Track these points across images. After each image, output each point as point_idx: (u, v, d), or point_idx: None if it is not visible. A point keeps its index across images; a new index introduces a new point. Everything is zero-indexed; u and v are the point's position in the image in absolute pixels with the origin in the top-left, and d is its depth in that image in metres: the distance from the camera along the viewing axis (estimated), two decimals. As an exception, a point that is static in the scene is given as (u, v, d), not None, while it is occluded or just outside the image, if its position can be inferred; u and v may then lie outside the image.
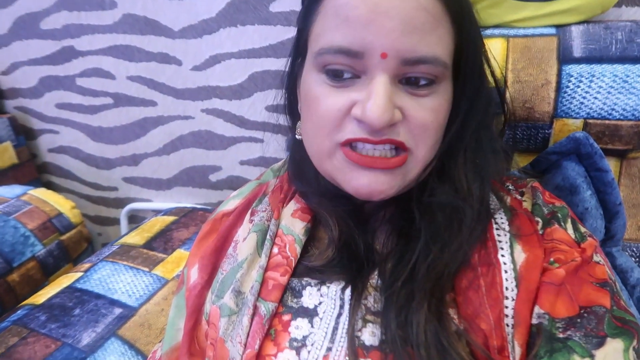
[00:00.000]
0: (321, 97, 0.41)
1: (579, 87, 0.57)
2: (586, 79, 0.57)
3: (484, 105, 0.45)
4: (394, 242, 0.45)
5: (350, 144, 0.40)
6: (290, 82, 0.51)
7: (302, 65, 0.45)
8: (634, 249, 0.60)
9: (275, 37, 0.95)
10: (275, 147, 1.03)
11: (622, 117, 0.57)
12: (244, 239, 0.49)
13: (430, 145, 0.41)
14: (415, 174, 0.42)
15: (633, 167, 0.62)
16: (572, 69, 0.58)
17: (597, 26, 0.59)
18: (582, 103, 0.58)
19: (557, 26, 0.61)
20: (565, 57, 0.58)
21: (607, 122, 0.57)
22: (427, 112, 0.40)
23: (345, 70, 0.39)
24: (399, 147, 0.40)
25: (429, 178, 0.44)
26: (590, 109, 0.58)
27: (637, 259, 0.60)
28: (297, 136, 0.50)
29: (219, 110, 1.08)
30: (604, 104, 0.57)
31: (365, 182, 0.40)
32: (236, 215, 0.53)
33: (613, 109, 0.57)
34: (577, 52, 0.58)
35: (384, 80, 0.37)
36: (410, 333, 0.37)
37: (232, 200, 0.56)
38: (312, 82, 0.42)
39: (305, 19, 0.43)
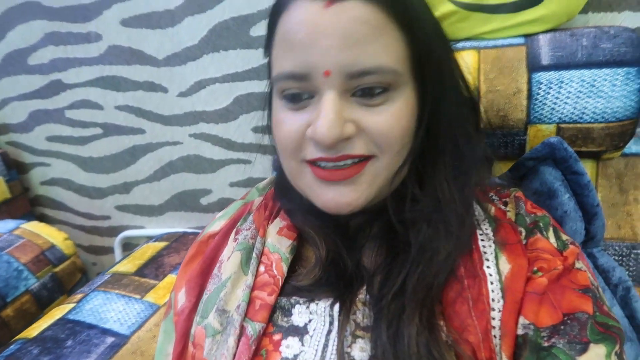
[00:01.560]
0: (283, 122, 0.42)
1: (549, 93, 0.59)
2: (555, 85, 0.59)
3: (452, 107, 0.44)
4: (382, 257, 0.45)
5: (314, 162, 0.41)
6: (270, 103, 0.52)
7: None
8: (616, 248, 0.61)
9: (257, 60, 0.97)
10: (264, 167, 1.05)
11: (592, 120, 0.58)
12: (228, 258, 0.50)
13: (395, 151, 0.41)
14: (383, 180, 0.42)
15: (609, 168, 0.63)
16: (542, 76, 0.59)
17: (564, 33, 0.61)
18: (553, 109, 0.59)
19: (526, 35, 0.63)
20: (534, 65, 0.60)
21: (578, 125, 0.59)
22: (385, 119, 0.40)
23: (301, 92, 0.40)
24: (361, 158, 0.41)
25: (408, 187, 0.44)
26: (562, 113, 0.59)
27: (618, 258, 0.61)
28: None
29: (207, 134, 1.10)
30: (575, 108, 0.58)
31: (331, 197, 0.41)
32: (222, 236, 0.54)
33: (583, 113, 0.58)
34: (545, 60, 0.60)
35: (331, 97, 0.38)
36: (401, 345, 0.37)
37: (218, 222, 0.57)
38: (276, 108, 0.43)
39: (267, 48, 0.45)
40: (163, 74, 1.07)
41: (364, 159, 0.41)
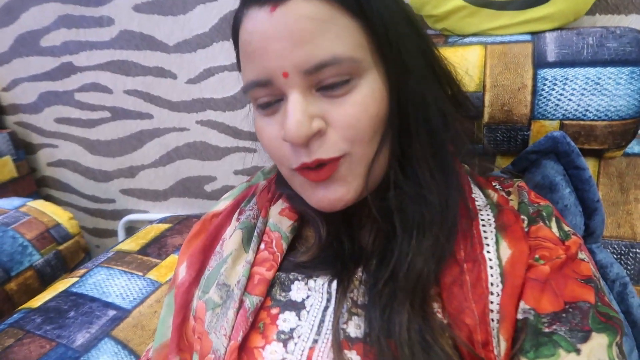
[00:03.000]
0: (262, 130, 0.43)
1: (553, 89, 0.60)
2: (560, 82, 0.59)
3: (420, 87, 0.43)
4: (380, 239, 0.46)
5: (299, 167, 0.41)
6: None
7: None
8: (615, 246, 0.62)
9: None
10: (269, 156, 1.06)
11: (596, 118, 0.59)
12: (230, 236, 0.51)
13: (367, 139, 0.41)
14: (364, 170, 0.42)
15: (610, 167, 0.64)
16: (547, 72, 0.60)
17: (570, 32, 0.61)
18: (557, 105, 0.60)
19: (532, 33, 0.64)
20: (539, 62, 0.61)
21: (582, 122, 0.60)
22: (352, 109, 0.39)
23: (270, 98, 0.41)
24: (332, 159, 0.41)
25: (390, 174, 0.44)
26: (566, 110, 0.60)
27: (617, 256, 0.61)
28: None
29: (214, 122, 1.11)
30: (578, 105, 0.59)
31: (322, 196, 0.42)
32: (225, 215, 0.55)
33: (587, 110, 0.59)
34: (550, 57, 0.60)
35: (295, 96, 0.39)
36: (394, 331, 0.37)
37: (223, 202, 0.58)
38: (255, 117, 0.44)
39: (237, 63, 0.46)
40: (173, 60, 1.08)
41: (338, 159, 0.41)
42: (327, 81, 0.39)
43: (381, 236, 0.46)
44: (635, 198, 0.63)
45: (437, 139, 0.44)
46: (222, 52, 1.02)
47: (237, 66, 0.47)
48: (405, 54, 0.42)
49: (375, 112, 0.40)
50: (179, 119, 1.15)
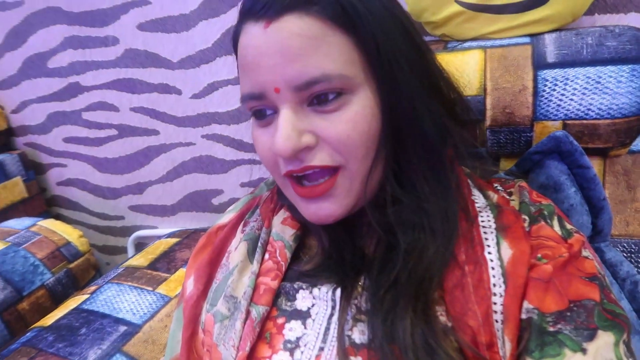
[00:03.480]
0: (258, 139, 0.44)
1: (554, 90, 0.60)
2: (561, 82, 0.60)
3: (410, 104, 0.43)
4: (381, 247, 0.46)
5: (292, 175, 0.42)
6: None
7: None
8: (624, 245, 0.62)
9: (269, 62, 0.99)
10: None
11: (598, 117, 0.59)
12: (236, 248, 0.52)
13: (361, 155, 0.41)
14: (359, 186, 0.43)
15: (616, 165, 0.64)
16: (547, 73, 0.60)
17: (569, 33, 0.62)
18: (559, 105, 0.60)
19: (531, 35, 0.64)
20: (539, 63, 0.61)
21: (584, 122, 0.60)
22: (341, 125, 0.40)
23: (264, 108, 0.42)
24: (326, 170, 0.41)
25: (387, 189, 0.44)
26: (568, 110, 0.60)
27: (627, 254, 0.61)
28: None
29: (219, 135, 1.12)
30: (580, 104, 0.59)
31: (313, 211, 0.43)
32: (230, 228, 0.56)
33: (589, 109, 0.59)
34: (550, 58, 0.61)
35: (285, 111, 0.40)
36: (397, 337, 0.37)
37: (228, 214, 0.59)
38: (252, 126, 0.45)
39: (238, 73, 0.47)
40: (177, 77, 1.10)
41: (334, 172, 0.41)
42: (317, 97, 0.40)
43: (383, 243, 0.46)
44: (636, 197, 0.62)
45: (433, 152, 0.44)
46: (225, 66, 1.03)
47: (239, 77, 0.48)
48: (398, 71, 0.42)
49: (365, 129, 0.41)
50: (184, 133, 1.16)
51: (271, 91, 0.39)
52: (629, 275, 0.57)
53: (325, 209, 0.42)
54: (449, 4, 0.66)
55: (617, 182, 0.63)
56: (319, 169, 0.41)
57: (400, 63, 0.42)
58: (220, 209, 1.22)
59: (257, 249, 0.50)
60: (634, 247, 0.61)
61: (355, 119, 0.40)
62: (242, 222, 0.55)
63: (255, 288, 0.47)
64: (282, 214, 0.53)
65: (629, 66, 0.57)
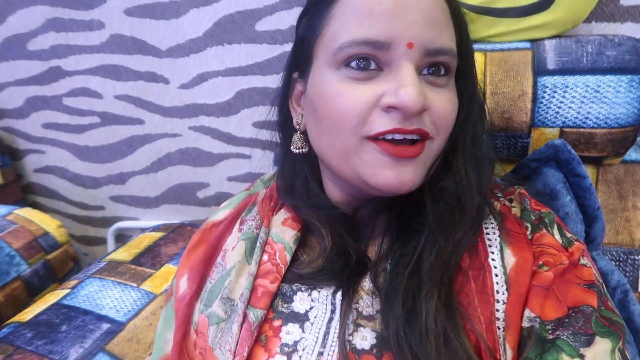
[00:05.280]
0: (344, 93, 0.40)
1: (553, 97, 0.60)
2: (560, 89, 0.60)
3: (478, 105, 0.48)
4: (389, 247, 0.45)
5: (378, 137, 0.40)
6: (284, 96, 0.52)
7: (306, 74, 0.46)
8: (614, 253, 0.62)
9: (262, 55, 0.97)
10: (263, 162, 1.05)
11: (595, 125, 0.59)
12: (233, 248, 0.50)
13: (446, 135, 0.43)
14: (431, 163, 0.44)
15: (609, 174, 0.64)
16: (547, 80, 0.60)
17: (569, 40, 0.62)
18: (557, 112, 0.60)
19: (531, 40, 0.64)
20: (539, 69, 0.61)
21: (582, 130, 0.60)
22: (446, 102, 0.42)
23: (372, 58, 0.40)
24: (421, 137, 0.41)
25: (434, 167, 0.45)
26: (566, 118, 0.60)
27: (617, 263, 0.62)
28: (294, 150, 0.49)
29: (207, 128, 1.10)
30: (578, 113, 0.59)
31: (394, 174, 0.40)
32: (225, 225, 0.54)
33: (587, 118, 0.59)
34: (550, 65, 0.61)
35: (412, 68, 0.39)
36: (418, 322, 0.37)
37: (222, 211, 0.57)
38: (331, 81, 0.42)
39: (312, 24, 0.45)
40: (165, 65, 1.06)
41: (422, 139, 0.41)
42: (433, 67, 0.41)
43: (388, 243, 0.45)
44: (633, 205, 0.63)
45: (481, 149, 0.47)
46: (216, 57, 1.01)
47: (305, 27, 0.46)
48: (470, 70, 0.47)
49: (455, 112, 0.43)
50: (171, 124, 1.13)
51: (402, 44, 0.39)
52: (619, 285, 0.57)
53: (408, 174, 0.40)
54: (450, 5, 0.65)
55: (609, 191, 0.64)
56: (425, 134, 0.40)
57: (470, 64, 0.47)
58: (205, 202, 1.19)
59: (256, 250, 0.48)
60: (622, 255, 0.62)
61: (454, 100, 0.43)
62: (239, 219, 0.54)
63: (252, 290, 0.45)
64: (283, 214, 0.52)
65: (628, 76, 0.57)
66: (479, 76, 0.62)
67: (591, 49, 0.60)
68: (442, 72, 0.42)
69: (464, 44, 0.45)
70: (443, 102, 0.41)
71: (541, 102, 0.60)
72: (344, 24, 0.41)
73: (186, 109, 1.09)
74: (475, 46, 0.65)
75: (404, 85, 0.38)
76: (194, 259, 0.52)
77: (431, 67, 0.41)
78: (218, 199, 1.17)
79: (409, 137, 0.40)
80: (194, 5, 0.98)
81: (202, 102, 1.07)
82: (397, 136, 0.40)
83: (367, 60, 0.40)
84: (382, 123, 0.39)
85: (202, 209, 1.21)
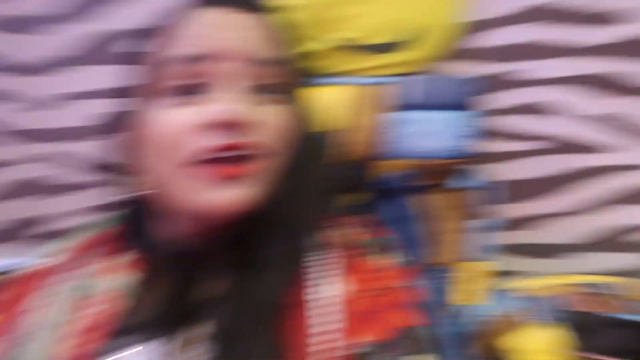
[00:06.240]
0: (164, 121, 0.41)
1: (397, 130, 0.64)
2: (403, 123, 0.64)
3: (318, 133, 0.49)
4: (224, 286, 0.43)
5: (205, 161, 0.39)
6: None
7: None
8: (434, 272, 0.66)
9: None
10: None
11: (429, 157, 0.65)
12: (48, 305, 0.44)
13: (278, 153, 0.42)
14: (266, 184, 0.42)
15: (438, 201, 0.68)
16: (398, 114, 0.65)
17: (419, 78, 0.67)
18: (399, 145, 0.65)
19: (385, 76, 0.67)
20: (391, 104, 0.65)
21: (421, 161, 0.65)
22: (277, 117, 0.42)
23: (194, 84, 0.41)
24: (247, 156, 0.40)
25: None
26: (407, 150, 0.65)
27: (438, 281, 0.66)
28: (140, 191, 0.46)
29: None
30: (418, 145, 0.65)
31: (226, 195, 0.39)
32: (36, 280, 0.47)
33: (422, 150, 0.65)
34: (398, 100, 0.65)
35: (230, 82, 0.40)
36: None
37: (38, 262, 0.50)
38: (155, 112, 0.42)
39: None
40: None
41: (250, 160, 0.40)
42: (261, 82, 0.41)
43: (222, 286, 0.43)
44: (449, 229, 0.68)
45: (312, 187, 0.47)
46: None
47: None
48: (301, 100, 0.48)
49: (288, 133, 0.43)
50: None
51: (224, 57, 0.40)
52: (448, 303, 0.62)
53: (243, 193, 0.40)
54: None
55: (438, 217, 0.69)
56: (250, 148, 0.40)
57: (299, 85, 0.48)
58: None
59: (78, 302, 0.44)
60: (439, 273, 0.66)
61: (287, 118, 0.43)
62: (59, 271, 0.48)
63: (69, 349, 0.40)
64: (115, 260, 0.47)
65: (451, 113, 0.64)
66: (334, 109, 0.65)
67: (427, 87, 0.66)
68: (273, 87, 0.42)
69: (291, 63, 0.45)
70: (274, 117, 0.42)
71: (388, 135, 0.65)
72: (169, 43, 0.42)
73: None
74: (334, 80, 0.69)
75: (215, 100, 0.39)
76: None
77: (259, 82, 0.42)
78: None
79: (232, 153, 0.40)
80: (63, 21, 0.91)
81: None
82: (230, 154, 0.40)
83: (189, 86, 0.41)
84: (205, 144, 0.39)
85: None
